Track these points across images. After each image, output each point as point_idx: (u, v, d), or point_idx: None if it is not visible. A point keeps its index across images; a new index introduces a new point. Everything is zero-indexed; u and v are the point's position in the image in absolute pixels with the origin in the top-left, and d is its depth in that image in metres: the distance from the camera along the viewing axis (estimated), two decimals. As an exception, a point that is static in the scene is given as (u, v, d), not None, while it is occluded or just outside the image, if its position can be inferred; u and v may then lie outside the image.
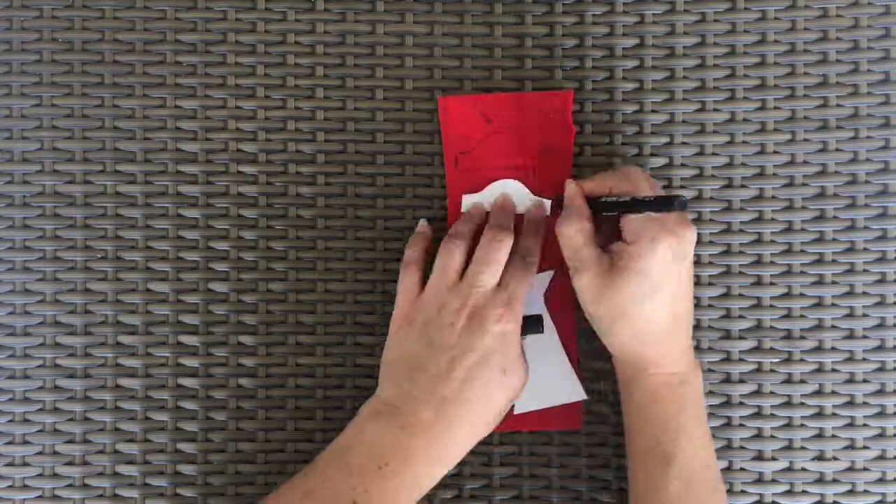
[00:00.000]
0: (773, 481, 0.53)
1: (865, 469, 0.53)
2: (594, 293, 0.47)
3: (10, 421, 0.54)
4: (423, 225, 0.53)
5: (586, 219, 0.48)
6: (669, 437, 0.47)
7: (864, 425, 0.53)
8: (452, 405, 0.46)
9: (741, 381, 0.53)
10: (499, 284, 0.48)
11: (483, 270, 0.48)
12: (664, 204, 0.45)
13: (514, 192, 0.53)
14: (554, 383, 0.52)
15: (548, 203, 0.52)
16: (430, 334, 0.47)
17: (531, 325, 0.49)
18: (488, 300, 0.47)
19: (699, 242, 0.53)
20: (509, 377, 0.47)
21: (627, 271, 0.45)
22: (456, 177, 0.53)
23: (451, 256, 0.49)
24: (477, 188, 0.53)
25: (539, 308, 0.52)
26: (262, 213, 0.54)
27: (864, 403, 0.53)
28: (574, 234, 0.47)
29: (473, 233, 0.50)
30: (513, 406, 0.50)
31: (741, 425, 0.53)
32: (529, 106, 0.53)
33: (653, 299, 0.46)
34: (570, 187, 0.49)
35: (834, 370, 0.53)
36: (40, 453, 0.54)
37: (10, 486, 0.54)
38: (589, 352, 0.53)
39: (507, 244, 0.49)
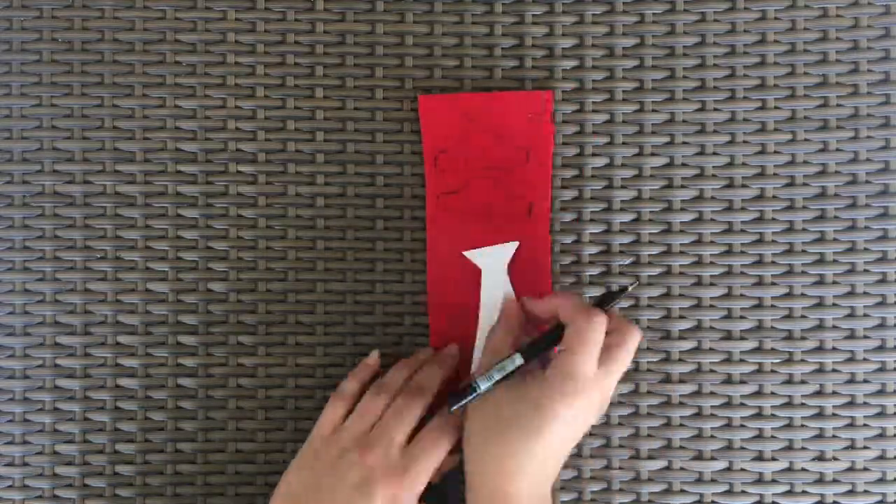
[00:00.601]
0: (774, 481, 0.53)
1: (866, 469, 0.53)
2: (498, 415, 0.45)
3: (10, 421, 0.54)
4: (373, 357, 0.52)
5: (518, 330, 0.48)
6: None
7: (865, 425, 0.53)
8: None
9: (742, 382, 0.53)
10: (407, 445, 0.47)
11: (390, 428, 0.47)
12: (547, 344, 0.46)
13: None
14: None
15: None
16: (326, 480, 0.47)
17: (432, 498, 0.48)
18: (386, 462, 0.46)
19: (700, 242, 0.53)
20: None
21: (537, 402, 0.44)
22: (435, 175, 0.53)
23: (370, 404, 0.49)
24: (455, 188, 0.53)
25: (503, 281, 0.52)
26: (262, 213, 0.54)
27: (865, 404, 0.53)
28: (502, 341, 0.48)
29: (404, 381, 0.50)
30: None
31: (742, 426, 0.53)
32: (509, 106, 0.53)
33: (548, 436, 0.44)
34: (510, 302, 0.50)
35: (835, 370, 0.53)
36: (40, 453, 0.54)
37: (9, 486, 0.54)
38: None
39: (419, 407, 0.48)
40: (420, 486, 0.47)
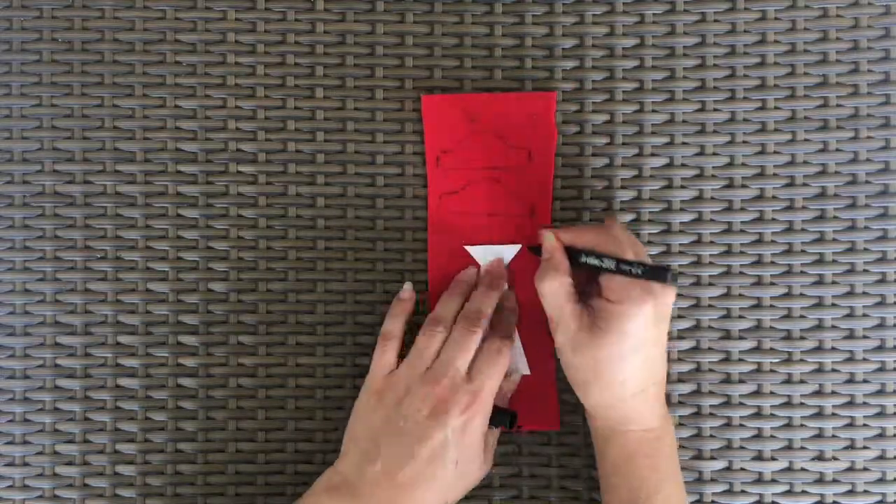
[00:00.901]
0: (773, 481, 0.53)
1: (865, 469, 0.53)
2: (572, 350, 0.46)
3: (10, 421, 0.54)
4: (407, 290, 0.53)
5: (566, 273, 0.47)
6: (645, 494, 0.47)
7: (864, 425, 0.53)
8: (406, 494, 0.46)
9: (741, 382, 0.53)
10: (469, 373, 0.48)
11: (454, 359, 0.48)
12: (655, 275, 0.45)
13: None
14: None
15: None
16: (395, 417, 0.47)
17: (500, 417, 0.49)
18: (455, 391, 0.47)
19: (700, 242, 0.53)
20: (462, 467, 0.47)
21: (608, 332, 0.45)
22: (437, 175, 0.53)
23: (429, 341, 0.49)
24: (457, 188, 0.53)
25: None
26: (262, 213, 0.54)
27: (864, 403, 0.53)
28: (555, 291, 0.47)
29: (456, 313, 0.50)
30: None
31: (741, 425, 0.53)
32: (513, 107, 0.53)
33: (631, 360, 0.46)
34: (548, 240, 0.49)
35: (834, 370, 0.53)
36: (40, 453, 0.54)
37: (10, 486, 0.54)
38: None
39: (478, 335, 0.49)
40: (488, 409, 0.48)
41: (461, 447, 0.47)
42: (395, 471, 0.46)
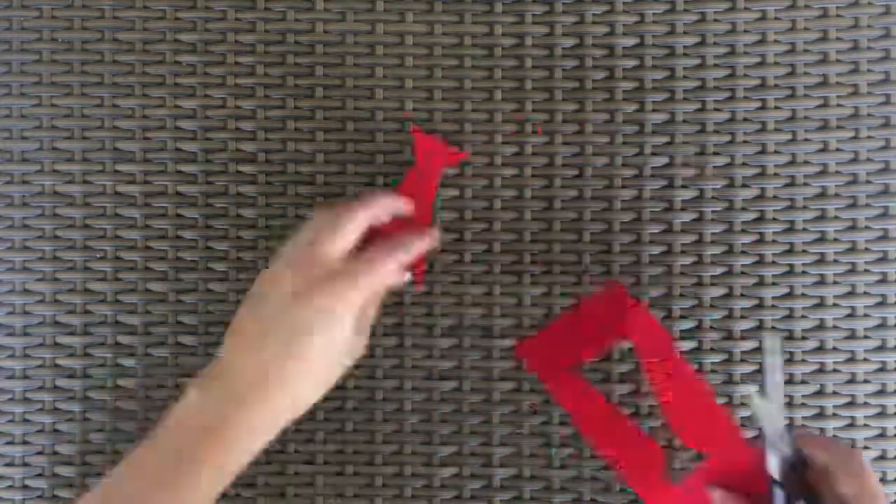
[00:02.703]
0: (774, 482, 0.53)
1: (866, 469, 0.53)
2: None
3: (10, 421, 0.54)
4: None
5: None
6: None
7: (865, 426, 0.53)
8: (270, 371, 0.44)
9: (742, 382, 0.53)
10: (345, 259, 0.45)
11: (326, 238, 0.45)
12: None
13: None
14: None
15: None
16: (264, 301, 0.45)
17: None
18: (323, 272, 0.45)
19: (700, 242, 0.53)
20: (336, 347, 0.45)
21: None
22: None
23: (309, 227, 0.46)
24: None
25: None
26: (262, 213, 0.54)
27: (865, 404, 0.53)
28: None
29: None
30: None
31: (742, 426, 0.53)
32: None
33: None
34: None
35: (835, 370, 0.53)
36: (40, 453, 0.54)
37: (9, 486, 0.54)
38: None
39: (361, 216, 0.46)
40: (359, 300, 0.45)
41: (330, 329, 0.44)
42: (259, 351, 0.44)
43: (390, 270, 0.46)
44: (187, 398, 0.45)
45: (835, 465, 0.44)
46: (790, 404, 0.53)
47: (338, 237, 0.45)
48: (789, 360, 0.53)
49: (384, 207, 0.48)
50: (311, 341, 0.44)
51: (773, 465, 0.45)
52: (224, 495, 0.53)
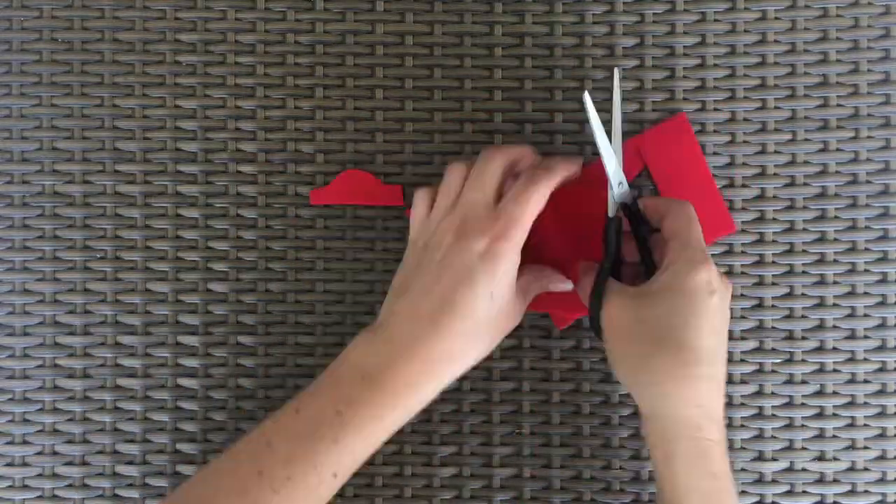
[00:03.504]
0: (774, 482, 0.53)
1: (866, 469, 0.53)
2: (623, 328, 0.45)
3: (10, 421, 0.54)
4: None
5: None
6: None
7: (865, 425, 0.53)
8: (433, 326, 0.44)
9: (742, 382, 0.53)
10: (498, 202, 0.46)
11: (472, 186, 0.46)
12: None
13: None
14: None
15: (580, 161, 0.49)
16: (424, 255, 0.46)
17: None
18: (477, 217, 0.45)
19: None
20: (497, 301, 0.45)
21: (665, 291, 0.44)
22: None
23: (451, 173, 0.47)
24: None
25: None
26: (261, 213, 0.54)
27: (865, 404, 0.53)
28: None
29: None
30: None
31: (742, 426, 0.53)
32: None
33: (695, 325, 0.43)
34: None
35: (835, 370, 0.53)
36: (40, 453, 0.54)
37: (10, 486, 0.54)
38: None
39: (499, 159, 0.46)
40: (519, 237, 0.45)
41: (491, 276, 0.44)
42: (421, 302, 0.45)
43: (540, 197, 0.46)
44: (351, 348, 0.46)
45: (666, 208, 0.47)
46: (790, 404, 0.53)
47: (483, 181, 0.46)
48: (789, 361, 0.53)
49: (520, 154, 0.48)
50: (472, 292, 0.44)
51: (612, 201, 0.48)
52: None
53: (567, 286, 0.49)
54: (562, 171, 0.47)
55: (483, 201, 0.46)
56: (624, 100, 0.53)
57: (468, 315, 0.44)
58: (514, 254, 0.45)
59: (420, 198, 0.49)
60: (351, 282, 0.54)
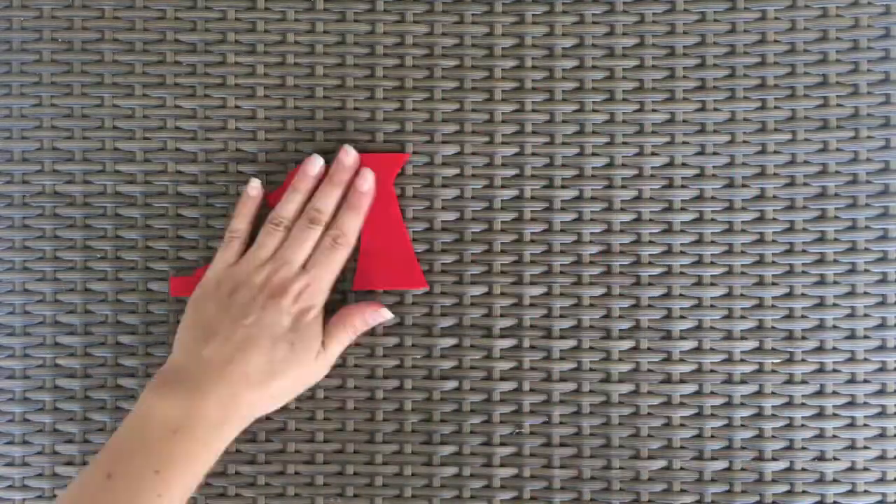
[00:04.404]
0: (774, 481, 0.53)
1: (866, 469, 0.53)
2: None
3: (10, 421, 0.54)
4: (254, 187, 0.53)
5: None
6: None
7: (865, 425, 0.53)
8: (236, 370, 0.47)
9: (742, 382, 0.53)
10: (304, 266, 0.50)
11: (291, 253, 0.50)
12: None
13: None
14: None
15: (371, 176, 0.52)
16: (229, 304, 0.49)
17: None
18: (290, 280, 0.49)
19: (701, 242, 0.53)
20: (300, 354, 0.49)
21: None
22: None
23: (268, 238, 0.51)
24: None
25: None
26: (262, 213, 0.54)
27: (865, 404, 0.53)
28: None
29: (298, 210, 0.52)
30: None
31: (742, 426, 0.53)
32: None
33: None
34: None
35: (835, 370, 0.53)
36: (40, 453, 0.54)
37: (9, 486, 0.54)
38: None
39: (316, 231, 0.51)
40: (321, 300, 0.50)
41: (298, 332, 0.49)
42: (229, 351, 0.47)
43: (342, 258, 0.51)
44: (153, 400, 0.47)
45: None
46: (790, 404, 0.53)
47: (301, 250, 0.51)
48: (789, 361, 0.53)
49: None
50: (279, 344, 0.48)
51: None
52: (223, 495, 0.53)
53: (384, 317, 0.52)
54: (358, 218, 0.52)
55: (296, 266, 0.50)
56: (625, 100, 0.53)
57: (274, 367, 0.48)
58: (319, 314, 0.50)
59: (231, 245, 0.51)
60: (350, 280, 0.54)
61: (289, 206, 0.51)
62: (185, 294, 0.53)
